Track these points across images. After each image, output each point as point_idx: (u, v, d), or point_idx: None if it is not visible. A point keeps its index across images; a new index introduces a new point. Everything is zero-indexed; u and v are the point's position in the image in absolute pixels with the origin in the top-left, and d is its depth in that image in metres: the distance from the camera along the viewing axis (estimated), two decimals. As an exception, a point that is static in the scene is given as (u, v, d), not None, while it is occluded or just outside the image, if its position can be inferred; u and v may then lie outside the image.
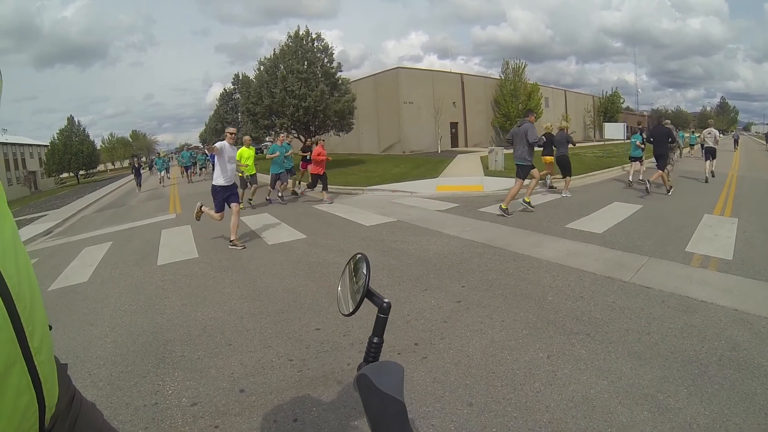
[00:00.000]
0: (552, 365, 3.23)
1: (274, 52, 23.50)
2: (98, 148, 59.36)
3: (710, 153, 13.66)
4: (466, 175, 15.70)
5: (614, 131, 29.52)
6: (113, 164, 77.58)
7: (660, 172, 10.88)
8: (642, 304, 4.30)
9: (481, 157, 20.90)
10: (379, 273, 5.60)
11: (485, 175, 15.44)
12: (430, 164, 21.49)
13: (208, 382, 3.25)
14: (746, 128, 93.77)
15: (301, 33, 23.12)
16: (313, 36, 23.36)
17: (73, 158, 47.79)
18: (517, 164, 9.08)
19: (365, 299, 0.97)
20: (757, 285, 4.74)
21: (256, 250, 7.29)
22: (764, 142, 41.07)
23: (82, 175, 49.84)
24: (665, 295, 4.48)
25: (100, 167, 62.96)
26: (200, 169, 29.03)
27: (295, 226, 8.92)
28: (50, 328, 1.03)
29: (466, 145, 39.67)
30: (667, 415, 2.62)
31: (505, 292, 4.79)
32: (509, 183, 12.75)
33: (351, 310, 1.00)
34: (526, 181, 9.33)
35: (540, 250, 6.28)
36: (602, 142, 33.08)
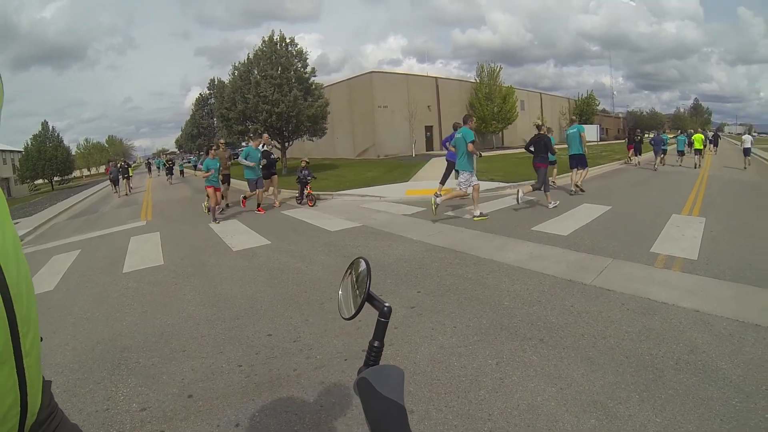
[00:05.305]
0: (500, 372, 3.17)
1: (248, 56, 23.27)
2: (73, 153, 58.20)
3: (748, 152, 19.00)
4: (437, 179, 15.42)
5: (587, 133, 29.88)
6: (89, 170, 76.51)
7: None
8: (601, 307, 4.22)
9: (455, 161, 20.81)
10: (336, 278, 5.52)
11: (456, 179, 15.23)
12: (402, 168, 21.57)
13: (159, 387, 3.29)
14: (719, 129, 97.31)
15: (275, 38, 22.91)
16: (288, 41, 23.20)
17: (47, 164, 46.57)
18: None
19: (366, 303, 0.98)
20: (720, 285, 4.67)
21: (221, 256, 7.22)
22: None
23: (56, 181, 48.73)
24: (626, 298, 4.41)
25: (76, 173, 61.84)
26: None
27: (261, 231, 8.92)
28: (41, 339, 1.07)
29: (441, 149, 39.63)
30: (615, 422, 2.53)
31: (461, 297, 4.73)
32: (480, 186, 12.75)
33: (352, 314, 1.01)
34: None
35: (502, 254, 6.23)
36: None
